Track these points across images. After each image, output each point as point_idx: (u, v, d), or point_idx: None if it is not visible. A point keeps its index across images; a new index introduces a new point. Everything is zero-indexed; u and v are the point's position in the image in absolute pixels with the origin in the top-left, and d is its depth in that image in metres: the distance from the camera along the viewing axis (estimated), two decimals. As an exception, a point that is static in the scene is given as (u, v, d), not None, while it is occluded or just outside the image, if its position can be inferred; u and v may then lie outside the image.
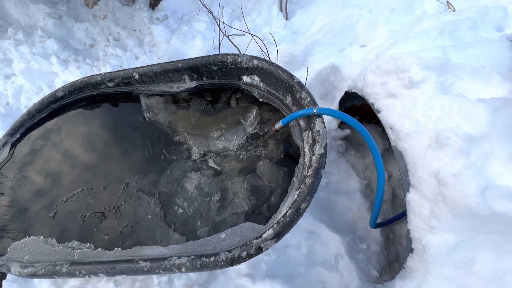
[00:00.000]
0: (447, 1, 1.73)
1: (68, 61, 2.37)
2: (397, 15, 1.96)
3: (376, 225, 1.31)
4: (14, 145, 1.48)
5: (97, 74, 1.49)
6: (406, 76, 1.09)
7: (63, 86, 1.51)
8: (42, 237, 1.17)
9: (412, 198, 1.02)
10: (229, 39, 2.00)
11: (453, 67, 1.03)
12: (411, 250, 1.05)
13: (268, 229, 0.92)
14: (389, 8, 1.96)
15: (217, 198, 1.16)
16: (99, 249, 1.09)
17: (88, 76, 1.50)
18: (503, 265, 0.87)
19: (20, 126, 1.49)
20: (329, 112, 1.03)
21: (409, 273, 1.07)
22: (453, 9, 1.69)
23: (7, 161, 1.45)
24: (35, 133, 1.52)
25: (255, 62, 1.28)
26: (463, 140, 0.86)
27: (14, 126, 1.50)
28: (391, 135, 1.11)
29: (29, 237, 1.18)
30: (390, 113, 1.14)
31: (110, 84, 1.50)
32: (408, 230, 1.05)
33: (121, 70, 1.47)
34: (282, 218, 0.92)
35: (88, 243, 1.12)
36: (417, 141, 1.01)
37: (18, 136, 1.49)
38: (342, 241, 1.49)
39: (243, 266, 1.33)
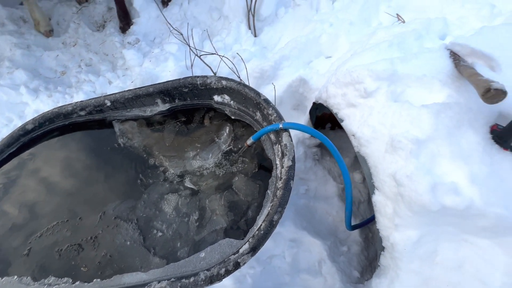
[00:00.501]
0: (397, 14, 1.89)
1: (39, 90, 2.34)
2: (356, 28, 2.12)
3: (352, 227, 1.38)
4: (-18, 183, 1.44)
5: (68, 104, 1.49)
6: (362, 87, 1.19)
7: (33, 119, 1.49)
8: (16, 276, 1.13)
9: (377, 199, 1.09)
10: (201, 59, 2.07)
11: (400, 77, 1.13)
12: (383, 248, 1.12)
13: (244, 244, 0.95)
14: (348, 22, 2.11)
15: (196, 218, 1.18)
16: (77, 283, 1.07)
17: (59, 107, 1.50)
18: (460, 253, 0.95)
19: (-12, 162, 1.45)
20: (294, 126, 1.10)
21: (383, 270, 1.13)
22: (402, 20, 1.85)
23: (-25, 200, 1.39)
24: (2, 172, 1.48)
25: (224, 82, 1.34)
26: (413, 143, 0.96)
27: (-19, 163, 1.45)
28: (353, 141, 1.20)
29: (1, 278, 1.14)
30: (351, 121, 1.23)
31: (82, 113, 1.50)
32: (377, 230, 1.12)
33: (93, 99, 1.48)
34: (257, 232, 0.96)
35: (65, 278, 1.09)
36: (376, 146, 1.10)
37: (-14, 173, 1.45)
38: (323, 246, 1.54)
39: (228, 282, 1.34)
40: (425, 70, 1.11)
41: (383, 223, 1.07)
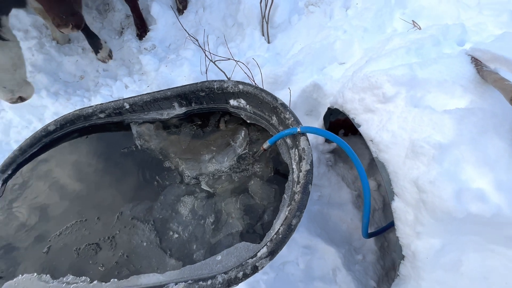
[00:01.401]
0: (413, 21, 1.89)
1: (59, 94, 2.42)
2: (370, 34, 2.12)
3: (368, 235, 1.35)
4: (5, 181, 1.48)
5: (89, 107, 1.53)
6: (380, 92, 1.18)
7: (55, 120, 1.54)
8: (35, 274, 1.15)
9: (397, 206, 1.07)
10: (216, 65, 2.10)
11: (420, 82, 1.12)
12: (403, 257, 1.08)
13: (262, 248, 0.94)
14: (362, 28, 2.12)
15: (211, 220, 1.19)
16: (95, 282, 1.08)
17: (80, 109, 1.54)
18: (487, 264, 0.92)
19: (11, 162, 1.50)
20: (312, 130, 1.10)
21: (403, 280, 1.10)
22: (419, 27, 1.85)
23: (-2, 198, 1.44)
24: (26, 168, 1.52)
25: (240, 87, 1.35)
26: (435, 149, 0.94)
27: (5, 162, 1.50)
28: (372, 147, 1.18)
29: (22, 275, 1.16)
30: (369, 126, 1.22)
31: (102, 115, 1.54)
32: (397, 238, 1.09)
33: (112, 101, 1.52)
34: (275, 236, 0.95)
35: (83, 277, 1.10)
36: (396, 151, 1.08)
37: (9, 172, 1.49)
38: (338, 254, 1.51)
39: (242, 287, 1.32)
40: (445, 75, 1.10)
41: (404, 231, 1.04)
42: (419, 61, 1.21)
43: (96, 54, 2.53)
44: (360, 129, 1.26)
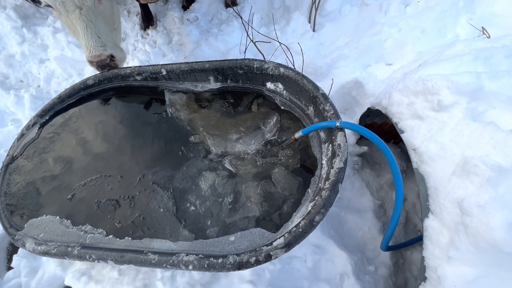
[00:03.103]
0: (482, 28, 1.69)
1: (100, 52, 2.48)
2: (428, 37, 1.94)
3: (387, 248, 1.27)
4: (42, 126, 1.55)
5: (127, 67, 1.54)
6: (435, 98, 1.06)
7: (94, 75, 1.58)
8: (58, 217, 1.21)
9: (431, 225, 0.98)
10: (255, 45, 2.03)
11: (486, 94, 1.00)
12: (424, 279, 1.00)
13: (279, 238, 0.91)
14: (419, 29, 1.94)
15: (230, 200, 1.17)
16: (110, 236, 1.11)
17: (118, 68, 1.56)
18: (525, 307, 0.82)
19: (50, 108, 1.56)
20: (353, 127, 1.02)
21: (419, 302, 1.02)
22: (488, 35, 1.65)
23: (34, 140, 1.52)
24: (62, 118, 1.58)
25: (281, 69, 1.29)
26: (492, 171, 0.83)
27: (44, 108, 1.57)
28: (413, 157, 1.08)
29: (45, 216, 1.22)
30: (414, 134, 1.12)
31: (138, 78, 1.55)
32: (422, 257, 1.01)
33: (150, 65, 1.52)
34: (295, 229, 0.91)
35: (100, 229, 1.14)
36: (441, 166, 0.98)
37: (47, 118, 1.56)
38: (349, 260, 1.45)
39: (247, 272, 1.31)
40: (519, 91, 0.96)
41: (433, 252, 0.96)
42: (487, 71, 1.07)
43: (144, 29, 2.51)
44: (403, 136, 1.16)
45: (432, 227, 0.97)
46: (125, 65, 2.41)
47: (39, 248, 1.11)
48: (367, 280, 1.41)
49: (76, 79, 2.47)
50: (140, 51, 2.49)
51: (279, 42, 1.89)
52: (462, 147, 0.94)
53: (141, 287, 1.26)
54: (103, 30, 1.45)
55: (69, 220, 1.18)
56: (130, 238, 1.10)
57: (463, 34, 1.90)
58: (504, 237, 0.76)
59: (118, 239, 1.10)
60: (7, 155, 1.49)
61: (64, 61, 2.49)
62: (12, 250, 1.69)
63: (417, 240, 1.36)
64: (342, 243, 1.55)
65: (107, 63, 1.48)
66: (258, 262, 0.88)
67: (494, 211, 0.79)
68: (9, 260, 1.64)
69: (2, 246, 1.70)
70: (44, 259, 1.47)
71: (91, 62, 1.46)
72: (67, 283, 1.33)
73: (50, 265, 1.47)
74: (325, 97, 1.15)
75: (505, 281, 0.84)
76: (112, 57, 1.47)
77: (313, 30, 2.25)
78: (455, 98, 1.02)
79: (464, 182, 0.89)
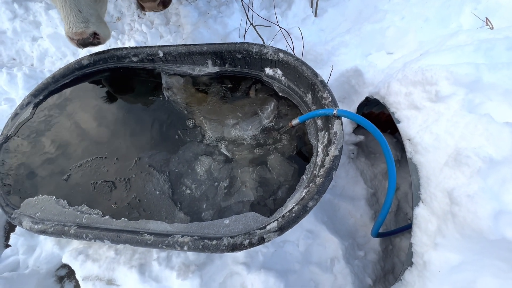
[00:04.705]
0: (486, 18, 1.66)
1: (94, 31, 2.40)
2: (430, 26, 1.90)
3: (377, 235, 1.31)
4: (36, 105, 1.53)
5: (123, 47, 1.50)
6: (433, 89, 1.06)
7: (89, 55, 1.54)
8: (54, 197, 1.22)
9: (420, 213, 1.01)
10: (255, 29, 1.98)
11: (484, 86, 1.00)
12: (411, 264, 1.05)
13: (273, 222, 0.93)
14: (423, 18, 1.90)
15: (225, 185, 1.18)
16: (107, 217, 1.13)
17: (114, 48, 1.52)
18: (504, 292, 0.86)
19: (44, 88, 1.53)
20: (350, 116, 1.02)
21: (405, 285, 1.07)
22: (491, 26, 1.63)
23: (28, 120, 1.50)
24: (56, 98, 1.56)
25: (281, 55, 1.27)
26: (484, 162, 0.85)
27: (38, 87, 1.54)
28: (408, 147, 1.10)
29: (42, 195, 1.23)
30: (410, 124, 1.12)
31: (134, 59, 1.51)
32: (410, 244, 1.04)
33: (147, 47, 1.48)
34: (288, 213, 0.93)
35: (96, 210, 1.16)
36: (435, 156, 1.00)
37: (41, 97, 1.53)
38: (340, 245, 1.49)
39: (240, 254, 1.35)
40: (516, 84, 0.96)
41: (421, 239, 0.99)
42: (487, 63, 1.07)
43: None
44: (399, 126, 1.16)
45: (422, 215, 1.00)
46: (120, 45, 2.35)
47: (36, 226, 1.13)
48: (357, 265, 1.46)
49: (71, 59, 2.40)
50: (136, 32, 2.41)
51: (280, 27, 1.84)
52: (456, 138, 0.95)
53: (137, 266, 1.30)
54: (85, 0, 1.25)
55: (65, 200, 1.19)
56: (126, 219, 1.12)
57: (466, 24, 1.87)
58: (490, 226, 0.79)
59: (114, 220, 1.12)
60: (1, 134, 1.48)
61: (57, 39, 2.41)
62: (10, 228, 1.71)
63: (407, 228, 1.41)
64: (334, 229, 1.60)
65: (89, 42, 1.32)
66: (251, 245, 0.91)
67: (482, 201, 0.81)
68: (7, 238, 1.66)
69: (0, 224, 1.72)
70: (42, 237, 1.50)
71: (71, 39, 1.29)
72: (64, 261, 1.36)
73: (47, 244, 1.50)
74: (323, 84, 1.14)
75: (486, 267, 0.87)
76: (95, 34, 1.31)
77: (315, 15, 2.20)
78: (453, 89, 1.02)
79: (456, 173, 0.91)
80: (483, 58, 1.15)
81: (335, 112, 1.04)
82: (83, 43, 1.32)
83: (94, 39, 1.33)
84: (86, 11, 1.26)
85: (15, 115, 1.52)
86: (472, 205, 0.82)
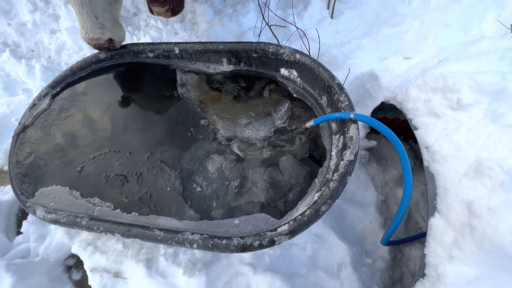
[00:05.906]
0: (511, 25, 1.61)
1: (111, 26, 2.43)
2: (451, 32, 1.85)
3: (388, 243, 1.28)
4: (53, 97, 1.56)
5: (140, 43, 1.52)
6: (455, 96, 1.03)
7: (106, 49, 1.55)
8: (67, 188, 1.23)
9: (436, 223, 0.98)
10: (270, 29, 1.97)
11: (509, 96, 0.96)
12: (423, 275, 1.02)
13: (284, 224, 0.92)
14: (443, 23, 1.85)
15: (236, 184, 1.17)
16: (118, 210, 1.14)
17: (131, 44, 1.54)
18: (522, 310, 0.83)
19: (61, 80, 1.56)
20: (367, 120, 1.00)
21: (415, 297, 1.04)
22: (516, 34, 1.57)
23: (45, 111, 1.53)
24: (73, 90, 1.58)
25: (297, 56, 1.25)
26: (508, 175, 0.81)
27: (56, 79, 1.57)
28: (425, 155, 1.07)
29: (56, 186, 1.25)
30: (428, 132, 1.09)
31: (150, 55, 1.52)
32: (424, 255, 1.01)
33: (163, 43, 1.49)
34: (300, 217, 0.91)
35: (108, 202, 1.17)
36: (454, 166, 0.97)
37: (58, 89, 1.56)
38: (348, 251, 1.47)
39: (247, 255, 1.34)
40: (544, 95, 0.92)
41: (435, 250, 0.96)
42: (513, 72, 1.03)
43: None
44: (417, 133, 1.14)
45: (437, 226, 0.97)
46: (136, 41, 2.38)
47: (49, 216, 1.15)
48: (364, 272, 1.44)
49: (87, 53, 2.44)
50: (152, 28, 2.43)
51: (296, 27, 1.83)
52: (477, 149, 0.92)
53: (144, 260, 1.31)
54: (101, 5, 1.28)
55: (78, 192, 1.21)
56: (136, 214, 1.12)
57: (488, 31, 1.82)
58: (511, 241, 0.76)
59: (125, 213, 1.13)
60: (19, 123, 1.51)
61: (75, 33, 2.46)
62: (22, 215, 1.75)
63: (418, 237, 1.37)
64: (343, 235, 1.57)
65: (105, 47, 1.41)
66: (261, 246, 0.90)
67: (504, 215, 0.78)
68: (19, 225, 1.70)
69: (12, 212, 1.76)
70: (52, 227, 1.52)
71: (87, 42, 1.38)
72: (73, 251, 1.38)
73: (57, 233, 1.53)
74: (340, 87, 1.12)
75: (505, 283, 0.84)
76: (110, 40, 1.39)
77: (331, 17, 2.17)
78: (476, 98, 0.99)
79: (476, 184, 0.88)
80: (508, 67, 1.11)
81: (352, 116, 1.02)
82: (98, 48, 1.42)
83: (109, 44, 1.42)
84: (102, 17, 1.31)
85: (33, 105, 1.55)
86: (493, 218, 0.79)
